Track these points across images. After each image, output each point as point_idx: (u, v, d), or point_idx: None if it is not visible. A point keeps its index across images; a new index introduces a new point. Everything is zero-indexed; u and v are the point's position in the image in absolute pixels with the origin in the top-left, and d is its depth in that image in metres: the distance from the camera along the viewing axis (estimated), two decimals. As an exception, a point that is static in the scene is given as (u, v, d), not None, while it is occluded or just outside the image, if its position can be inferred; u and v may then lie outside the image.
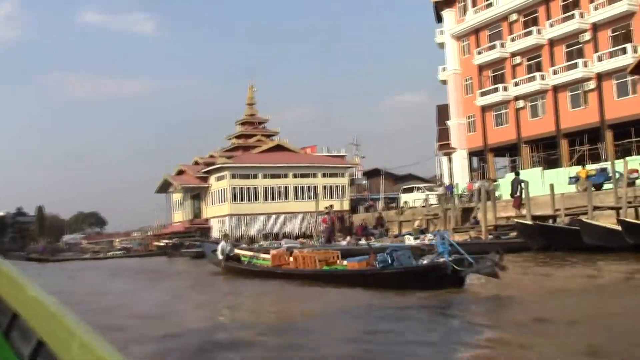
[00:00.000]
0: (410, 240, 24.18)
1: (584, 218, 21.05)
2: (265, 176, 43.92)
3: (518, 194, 21.19)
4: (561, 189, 32.57)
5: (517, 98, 43.14)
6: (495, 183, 37.80)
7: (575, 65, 38.89)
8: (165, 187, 49.63)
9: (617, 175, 29.42)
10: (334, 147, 68.73)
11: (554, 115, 40.97)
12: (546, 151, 42.16)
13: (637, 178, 28.95)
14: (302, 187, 44.91)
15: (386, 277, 13.31)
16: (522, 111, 43.19)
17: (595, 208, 21.75)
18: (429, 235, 24.35)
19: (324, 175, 45.40)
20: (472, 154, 47.85)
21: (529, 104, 42.71)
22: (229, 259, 18.64)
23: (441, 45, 50.37)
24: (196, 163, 47.65)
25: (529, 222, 20.34)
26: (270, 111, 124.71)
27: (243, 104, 52.63)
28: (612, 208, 22.13)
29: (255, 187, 43.65)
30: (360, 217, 46.09)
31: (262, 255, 19.19)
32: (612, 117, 37.33)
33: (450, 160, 48.96)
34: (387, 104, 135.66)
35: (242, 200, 43.32)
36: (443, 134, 49.87)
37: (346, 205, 45.84)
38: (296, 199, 44.62)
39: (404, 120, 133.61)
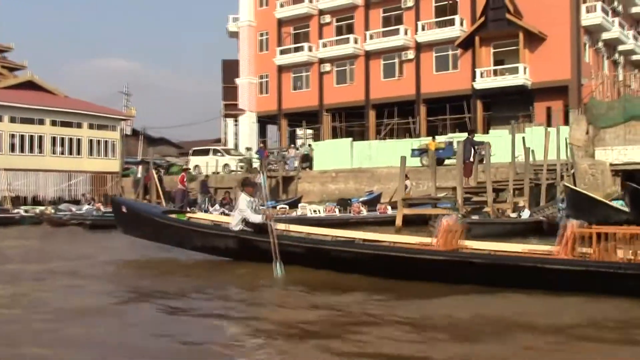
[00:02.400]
0: (317, 213, 18.23)
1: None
2: (12, 120, 32.69)
3: (471, 159, 16.63)
4: (390, 162, 29.62)
5: (322, 61, 39.27)
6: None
7: (395, 32, 36.35)
8: None
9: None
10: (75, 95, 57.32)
11: (363, 83, 38.02)
12: (350, 121, 39.10)
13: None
14: (63, 138, 34.69)
15: None
16: (327, 76, 39.46)
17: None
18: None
19: (91, 127, 35.80)
20: (262, 118, 42.72)
21: (336, 69, 39.15)
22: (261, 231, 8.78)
23: (233, -8, 44.11)
24: None
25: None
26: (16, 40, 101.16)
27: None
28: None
29: (-3, 134, 32.32)
30: (127, 182, 37.78)
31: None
32: (429, 91, 35.60)
33: (236, 123, 43.15)
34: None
35: (-23, 149, 31.67)
36: (230, 92, 43.81)
37: (116, 167, 36.99)
38: (53, 153, 34.34)
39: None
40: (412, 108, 36.31)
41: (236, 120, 43.14)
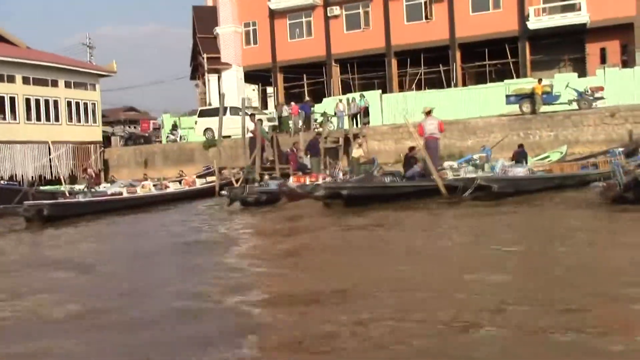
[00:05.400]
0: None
1: None
2: (-23, 77, 24.29)
3: None
4: (450, 114, 25.56)
5: (328, 3, 34.12)
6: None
7: (423, -33, 32.13)
8: None
9: (575, 95, 24.22)
10: None
11: (382, 28, 33.45)
12: (362, 73, 34.49)
13: (601, 98, 24.08)
14: (38, 100, 26.59)
15: None
16: (334, 21, 34.38)
17: None
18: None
19: (67, 85, 27.87)
20: (251, 72, 36.62)
21: (347, 12, 34.17)
22: None
23: None
24: None
25: None
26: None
27: None
28: None
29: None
30: (117, 153, 30.59)
31: None
32: (465, 35, 31.94)
33: (219, 80, 36.59)
34: None
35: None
36: (208, 44, 36.97)
37: (97, 135, 29.42)
38: (28, 119, 26.23)
39: None
40: (444, 54, 32.48)
41: (219, 77, 36.50)
